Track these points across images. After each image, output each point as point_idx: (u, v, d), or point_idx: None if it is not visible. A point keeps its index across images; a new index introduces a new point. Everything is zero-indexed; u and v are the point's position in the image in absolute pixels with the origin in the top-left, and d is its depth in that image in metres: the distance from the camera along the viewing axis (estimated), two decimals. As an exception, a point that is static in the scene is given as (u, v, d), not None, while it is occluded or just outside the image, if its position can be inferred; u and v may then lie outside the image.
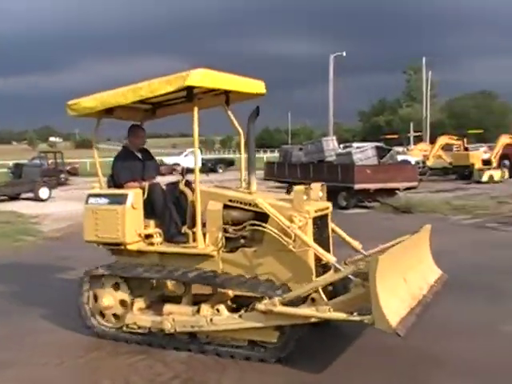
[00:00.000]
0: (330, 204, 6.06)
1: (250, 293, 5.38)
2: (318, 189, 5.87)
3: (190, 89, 5.65)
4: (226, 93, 6.40)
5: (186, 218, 6.39)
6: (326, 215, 5.98)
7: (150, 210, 6.26)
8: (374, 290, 4.55)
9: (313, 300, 5.07)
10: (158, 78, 5.68)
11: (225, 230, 5.83)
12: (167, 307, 5.82)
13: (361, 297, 5.02)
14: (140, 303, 6.00)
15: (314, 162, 20.56)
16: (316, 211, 5.64)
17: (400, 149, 38.89)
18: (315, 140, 24.03)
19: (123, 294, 6.08)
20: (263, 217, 5.69)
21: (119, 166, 6.50)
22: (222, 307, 5.46)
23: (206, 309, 5.58)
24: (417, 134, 52.41)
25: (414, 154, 34.59)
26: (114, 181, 6.51)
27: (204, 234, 5.84)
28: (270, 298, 5.12)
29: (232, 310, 5.60)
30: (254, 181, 5.94)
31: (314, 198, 5.80)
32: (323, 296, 5.01)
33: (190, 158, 40.61)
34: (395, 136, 57.03)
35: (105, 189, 6.42)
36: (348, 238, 6.24)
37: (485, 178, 27.98)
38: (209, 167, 43.15)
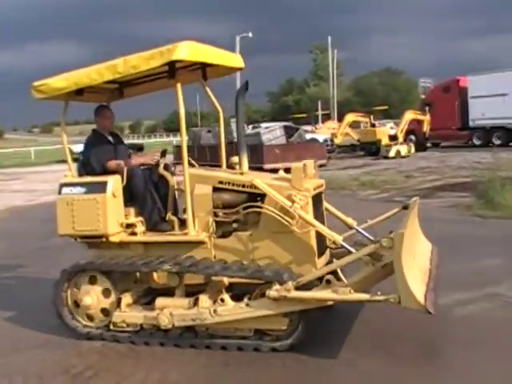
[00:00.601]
0: (323, 181, 5.81)
1: (258, 280, 5.04)
2: (312, 165, 5.57)
3: (172, 64, 5.22)
4: (204, 68, 5.99)
5: (168, 204, 5.99)
6: (321, 193, 5.73)
7: (130, 196, 5.77)
8: (400, 267, 4.35)
9: (328, 282, 4.79)
10: (137, 54, 5.22)
11: (215, 214, 5.47)
12: (160, 301, 5.39)
13: (371, 276, 4.85)
14: (127, 299, 5.54)
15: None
16: (314, 189, 5.38)
17: (308, 128, 39.30)
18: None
19: (107, 290, 5.60)
20: (256, 198, 5.38)
21: (92, 151, 5.94)
22: (226, 296, 5.10)
23: (204, 300, 5.21)
24: (325, 112, 53.14)
25: (323, 132, 35.07)
26: (86, 168, 5.96)
27: (193, 220, 5.44)
28: (280, 284, 4.82)
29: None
30: (245, 160, 5.58)
31: (310, 175, 5.51)
32: (343, 277, 4.75)
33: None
34: (303, 115, 57.74)
35: (76, 177, 5.86)
36: (341, 215, 6.01)
37: (392, 153, 28.62)
38: None
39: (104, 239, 5.56)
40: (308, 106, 73.12)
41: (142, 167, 5.94)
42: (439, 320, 5.25)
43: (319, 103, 53.55)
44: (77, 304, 5.68)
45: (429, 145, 34.42)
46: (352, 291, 4.65)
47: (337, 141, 32.51)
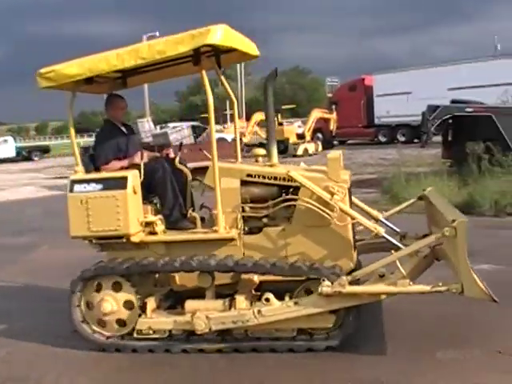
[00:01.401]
0: (350, 172, 5.62)
1: (310, 276, 4.77)
2: (341, 157, 5.35)
3: (198, 50, 4.87)
4: (218, 54, 5.64)
5: (186, 201, 5.62)
6: (351, 184, 5.54)
7: (147, 192, 5.35)
8: (464, 256, 4.24)
9: (381, 275, 4.59)
10: (164, 38, 4.85)
11: (243, 210, 5.15)
12: (190, 304, 5.01)
13: (417, 267, 4.72)
14: (152, 304, 5.12)
15: None
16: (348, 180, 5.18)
17: (217, 127, 39.13)
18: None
19: (127, 295, 5.15)
20: (287, 191, 5.12)
21: (104, 143, 5.47)
22: (271, 296, 4.78)
23: (241, 300, 4.88)
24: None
25: (231, 131, 34.92)
26: (96, 163, 5.48)
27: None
28: (329, 280, 4.58)
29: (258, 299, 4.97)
30: (275, 152, 5.29)
31: (342, 167, 5.30)
32: (402, 269, 4.56)
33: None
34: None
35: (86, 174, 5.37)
36: (367, 208, 5.84)
37: (300, 151, 28.94)
38: (23, 155, 43.68)
39: (124, 240, 5.10)
40: (216, 105, 72.45)
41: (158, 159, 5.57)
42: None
43: (227, 102, 53.00)
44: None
45: (336, 142, 35.19)
46: (411, 283, 4.49)
47: (245, 140, 32.47)
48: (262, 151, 5.52)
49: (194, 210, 5.63)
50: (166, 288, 5.35)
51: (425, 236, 5.71)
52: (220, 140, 26.04)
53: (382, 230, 4.95)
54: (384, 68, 36.12)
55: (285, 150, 30.06)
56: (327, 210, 4.83)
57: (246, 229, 5.18)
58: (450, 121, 15.15)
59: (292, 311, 4.70)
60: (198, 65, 5.00)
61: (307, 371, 4.54)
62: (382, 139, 34.42)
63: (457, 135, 15.59)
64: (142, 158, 5.29)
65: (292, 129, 32.74)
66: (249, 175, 5.16)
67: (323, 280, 4.61)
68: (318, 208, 4.84)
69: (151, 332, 5.05)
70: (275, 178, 5.11)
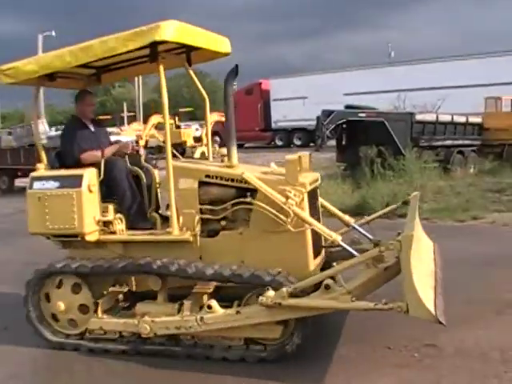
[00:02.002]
0: (319, 175, 5.37)
1: (252, 283, 4.59)
2: (307, 158, 5.08)
3: (154, 46, 4.74)
4: (188, 52, 5.50)
5: (150, 200, 5.52)
6: (317, 188, 5.29)
7: (107, 191, 5.28)
8: (409, 272, 3.87)
9: (327, 287, 4.33)
10: (114, 35, 4.73)
11: (201, 211, 5.00)
12: (140, 307, 4.94)
13: (373, 279, 4.42)
14: (104, 304, 5.06)
15: (24, 146, 19.10)
16: (310, 184, 4.93)
17: (114, 129, 38.58)
18: (25, 124, 22.36)
19: (84, 296, 5.12)
20: (247, 193, 4.92)
21: (70, 139, 5.44)
22: (214, 303, 4.60)
23: (188, 306, 4.74)
24: (130, 113, 51.94)
25: (128, 133, 34.09)
26: (62, 160, 5.45)
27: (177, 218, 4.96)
28: (274, 289, 4.36)
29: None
30: (235, 152, 5.10)
31: (305, 169, 5.03)
32: (343, 283, 4.29)
33: None
34: (108, 116, 56.56)
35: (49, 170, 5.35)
36: (338, 212, 5.59)
37: (197, 154, 27.85)
38: None
39: (79, 238, 5.06)
40: (113, 107, 70.43)
41: (121, 157, 5.46)
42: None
43: (125, 104, 52.22)
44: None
45: None
46: (354, 299, 4.20)
47: (142, 142, 32.09)
48: (224, 151, 5.35)
49: (158, 210, 5.52)
50: (124, 288, 5.27)
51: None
52: (117, 142, 25.96)
53: (338, 238, 4.67)
54: (282, 73, 36.88)
55: (183, 152, 28.99)
56: (281, 216, 4.62)
57: (204, 231, 5.03)
58: (344, 125, 15.94)
59: (233, 320, 4.51)
60: (155, 62, 4.86)
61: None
62: (279, 143, 35.07)
63: (350, 139, 16.44)
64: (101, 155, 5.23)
65: (189, 132, 32.15)
66: (207, 176, 5.01)
67: (267, 289, 4.41)
68: (272, 213, 4.64)
69: (102, 333, 5.00)
70: (232, 180, 4.93)
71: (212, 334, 4.67)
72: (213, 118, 30.75)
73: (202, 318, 4.58)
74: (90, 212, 5.01)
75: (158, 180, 5.58)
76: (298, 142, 33.49)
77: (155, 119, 31.89)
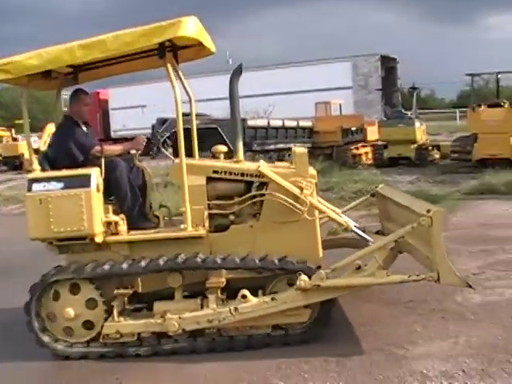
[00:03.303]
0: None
1: (284, 270, 4.76)
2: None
3: (163, 43, 4.76)
4: (175, 50, 5.52)
5: (146, 200, 5.46)
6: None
7: (106, 192, 5.13)
8: (440, 244, 4.38)
9: (358, 268, 4.65)
10: (130, 30, 4.68)
11: (209, 207, 5.07)
12: (159, 305, 4.89)
13: (388, 258, 4.82)
14: (118, 306, 4.90)
15: None
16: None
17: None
18: None
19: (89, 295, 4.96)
20: (255, 187, 5.12)
21: (70, 137, 5.21)
22: (247, 292, 4.71)
23: (213, 299, 4.79)
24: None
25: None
26: (51, 162, 5.19)
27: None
28: (305, 274, 4.59)
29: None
30: (241, 148, 5.24)
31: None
32: (379, 260, 4.63)
33: None
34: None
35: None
36: (325, 203, 5.91)
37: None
38: None
39: (88, 240, 4.86)
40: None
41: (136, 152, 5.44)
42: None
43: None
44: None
45: None
46: (389, 273, 4.58)
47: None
48: (223, 148, 5.46)
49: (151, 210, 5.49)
50: (130, 290, 5.13)
51: (378, 232, 5.89)
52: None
53: (351, 225, 5.03)
54: (121, 82, 37.48)
55: (21, 165, 28.91)
56: (297, 205, 4.85)
57: (212, 226, 5.10)
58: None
59: (269, 307, 4.66)
60: (163, 58, 4.86)
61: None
62: None
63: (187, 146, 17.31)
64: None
65: (24, 144, 30.58)
66: (215, 171, 5.09)
67: (299, 274, 4.61)
68: (289, 203, 4.85)
69: (118, 336, 4.84)
70: (242, 174, 5.07)
71: (243, 324, 4.76)
72: (50, 128, 29.53)
73: (236, 309, 4.66)
74: (98, 213, 4.85)
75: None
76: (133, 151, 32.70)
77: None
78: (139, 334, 4.84)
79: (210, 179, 5.08)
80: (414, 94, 22.16)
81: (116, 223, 5.03)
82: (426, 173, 16.45)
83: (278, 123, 19.33)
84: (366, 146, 21.11)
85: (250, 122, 17.37)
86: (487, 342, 4.56)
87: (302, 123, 20.53)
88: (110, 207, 5.12)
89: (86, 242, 4.87)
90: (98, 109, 35.20)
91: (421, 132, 19.83)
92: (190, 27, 4.62)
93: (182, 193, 4.92)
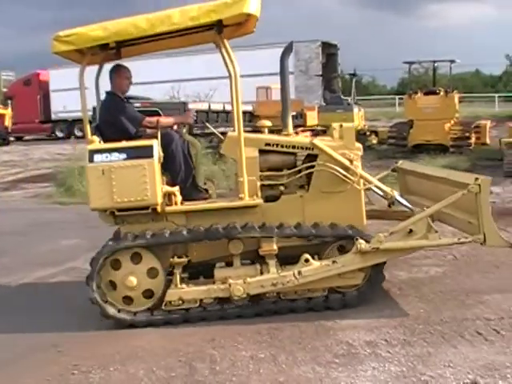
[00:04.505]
0: None
1: (344, 236, 5.05)
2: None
3: (222, 20, 4.92)
4: (221, 28, 5.66)
5: (197, 172, 5.63)
6: None
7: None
8: (488, 209, 4.73)
9: (410, 231, 4.99)
10: (195, 5, 4.82)
11: (260, 178, 5.28)
12: (220, 272, 5.08)
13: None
14: (179, 273, 5.05)
15: None
16: None
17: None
18: None
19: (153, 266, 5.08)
20: (303, 160, 5.37)
21: (120, 110, 5.34)
22: (309, 256, 4.96)
23: (273, 264, 5.02)
24: None
25: None
26: (103, 134, 5.27)
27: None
28: (362, 238, 4.87)
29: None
30: (290, 122, 5.48)
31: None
32: (432, 224, 4.96)
33: None
34: None
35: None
36: None
37: None
38: None
39: (150, 210, 4.98)
40: None
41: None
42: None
43: None
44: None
45: (12, 139, 34.09)
46: (441, 237, 4.93)
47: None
48: (268, 123, 5.65)
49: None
50: (185, 259, 5.26)
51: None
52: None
53: (396, 195, 5.35)
54: (62, 63, 37.02)
55: None
56: (349, 175, 5.13)
57: (265, 196, 5.30)
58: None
59: (330, 269, 4.92)
60: (220, 34, 5.02)
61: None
62: (60, 134, 34.76)
63: None
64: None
65: None
66: (267, 144, 5.30)
67: (356, 239, 4.88)
68: (341, 174, 5.12)
69: (180, 303, 4.99)
70: (294, 147, 5.30)
71: (303, 287, 5.00)
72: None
73: (299, 272, 4.90)
74: (159, 183, 4.98)
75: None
76: (79, 133, 31.00)
77: None
78: (201, 300, 5.00)
79: (261, 151, 5.29)
80: (353, 80, 22.82)
81: (173, 194, 5.16)
82: (363, 157, 16.74)
83: (219, 107, 19.50)
84: (306, 131, 21.37)
85: (191, 106, 17.24)
86: (410, 315, 4.89)
87: (243, 107, 20.53)
88: (164, 178, 5.24)
89: (147, 211, 4.98)
90: (38, 90, 34.81)
91: (359, 118, 20.41)
92: (254, 5, 4.78)
93: (238, 164, 5.10)
